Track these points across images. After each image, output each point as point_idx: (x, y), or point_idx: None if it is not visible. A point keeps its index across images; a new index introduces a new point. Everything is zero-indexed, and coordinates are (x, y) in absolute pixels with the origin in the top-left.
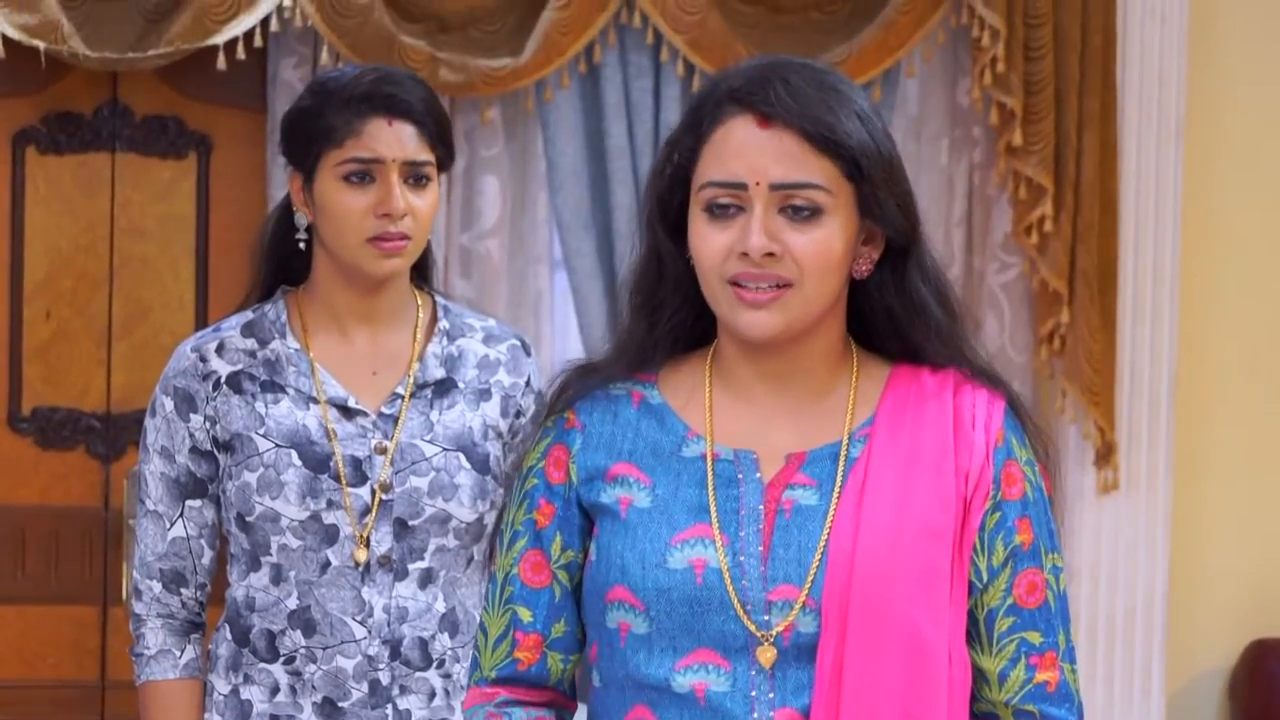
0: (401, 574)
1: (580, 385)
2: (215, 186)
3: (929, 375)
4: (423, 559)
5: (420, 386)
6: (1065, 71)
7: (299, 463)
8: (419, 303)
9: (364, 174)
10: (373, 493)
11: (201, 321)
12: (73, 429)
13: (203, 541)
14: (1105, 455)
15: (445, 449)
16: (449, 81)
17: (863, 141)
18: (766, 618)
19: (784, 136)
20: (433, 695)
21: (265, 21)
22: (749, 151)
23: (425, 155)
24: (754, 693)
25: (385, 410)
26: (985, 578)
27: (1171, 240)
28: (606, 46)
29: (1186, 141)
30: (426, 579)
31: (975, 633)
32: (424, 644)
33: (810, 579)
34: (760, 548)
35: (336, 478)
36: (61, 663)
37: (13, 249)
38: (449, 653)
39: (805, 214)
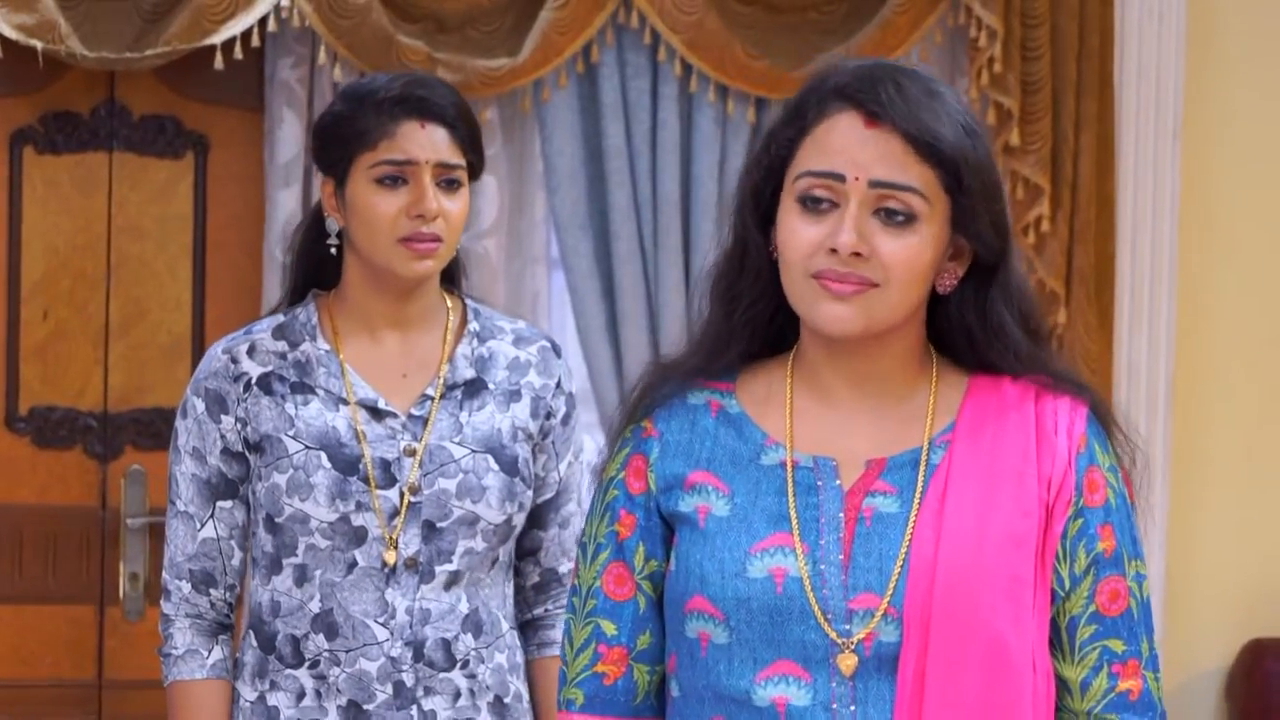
0: (428, 576)
1: (658, 390)
2: (212, 186)
3: (1010, 384)
4: (450, 561)
5: (450, 388)
6: (1062, 72)
7: (328, 465)
8: (449, 306)
9: (397, 176)
10: (401, 495)
11: (199, 321)
12: (70, 429)
13: (233, 543)
14: None
15: (474, 451)
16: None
17: (965, 153)
18: (847, 627)
19: (889, 138)
20: (457, 696)
21: (263, 21)
22: (851, 147)
23: (457, 159)
24: (835, 705)
25: (415, 412)
26: (1067, 585)
27: (1169, 241)
28: (604, 46)
29: (1184, 142)
30: (452, 581)
31: (1057, 641)
32: (447, 645)
33: (891, 587)
34: (841, 556)
35: (366, 480)
36: (59, 662)
37: (10, 249)
38: (473, 653)
39: (899, 219)
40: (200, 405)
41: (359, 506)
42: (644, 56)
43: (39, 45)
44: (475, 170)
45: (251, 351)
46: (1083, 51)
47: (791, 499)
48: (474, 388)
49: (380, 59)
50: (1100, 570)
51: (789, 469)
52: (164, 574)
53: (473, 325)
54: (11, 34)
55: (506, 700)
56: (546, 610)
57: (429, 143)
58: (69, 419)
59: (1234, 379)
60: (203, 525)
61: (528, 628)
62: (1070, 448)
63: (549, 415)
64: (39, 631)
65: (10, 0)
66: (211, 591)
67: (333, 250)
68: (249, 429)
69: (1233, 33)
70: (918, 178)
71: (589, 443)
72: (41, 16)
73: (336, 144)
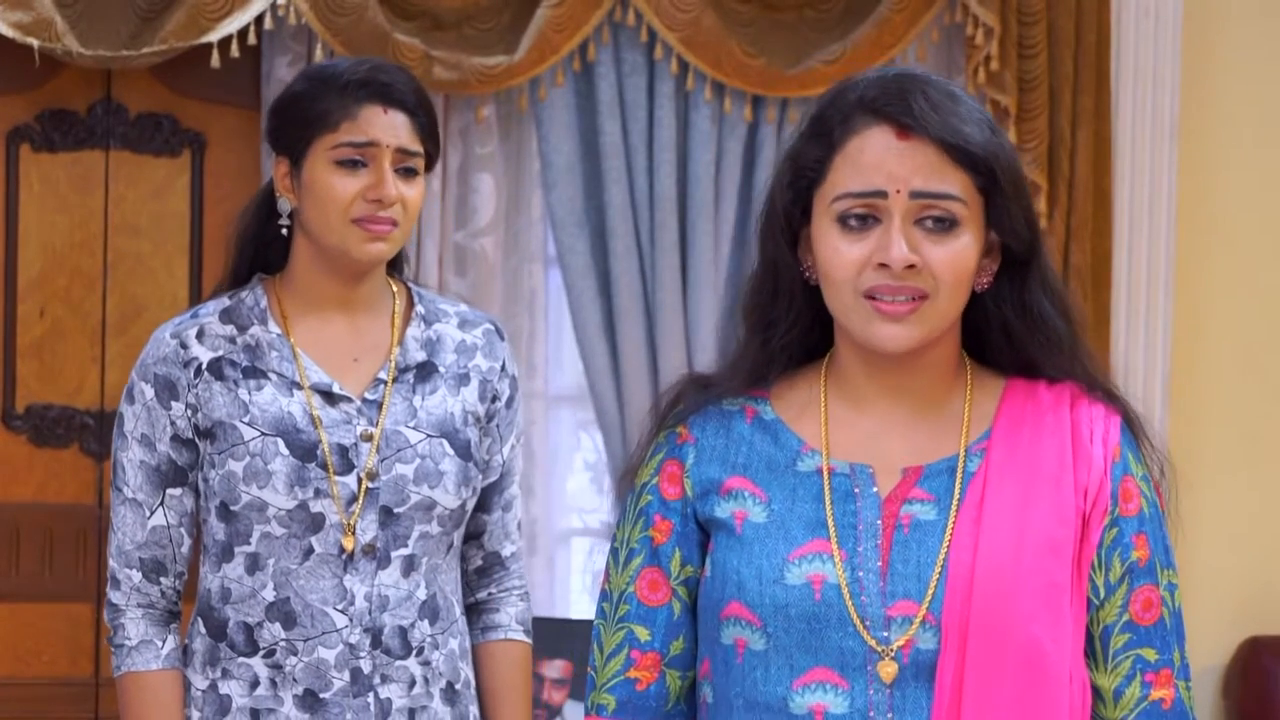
0: (385, 562)
1: (693, 399)
2: (209, 184)
3: (1045, 389)
4: (406, 546)
5: (402, 371)
6: (1059, 69)
7: (286, 451)
8: (394, 290)
9: (357, 159)
10: (359, 480)
11: None
12: (67, 426)
13: (183, 530)
14: None
15: (429, 435)
16: (443, 79)
17: (997, 153)
18: (885, 634)
19: (924, 148)
20: (413, 684)
21: (259, 19)
22: (889, 161)
23: (416, 146)
24: (873, 713)
25: (368, 396)
26: (1102, 594)
27: (1166, 238)
28: (600, 44)
29: (1180, 138)
30: (409, 566)
31: (1090, 649)
32: (404, 632)
33: (930, 595)
34: (879, 563)
35: (324, 466)
36: (56, 660)
37: (7, 247)
38: (428, 640)
39: (944, 225)
40: (149, 391)
41: (317, 493)
42: (640, 54)
43: (35, 43)
44: (430, 160)
45: (200, 336)
46: (1079, 49)
47: (829, 506)
48: (425, 371)
49: (376, 56)
50: (1134, 579)
51: (826, 475)
52: (111, 562)
53: (418, 308)
54: (8, 32)
55: (457, 686)
56: (490, 594)
57: (390, 127)
58: (65, 417)
59: (1231, 376)
60: (152, 513)
61: (471, 611)
62: (1106, 456)
63: (494, 398)
64: (36, 629)
65: None
66: (162, 580)
67: (283, 231)
68: (200, 415)
69: (1228, 30)
70: (956, 184)
71: (586, 439)
72: (38, 14)
73: (295, 124)
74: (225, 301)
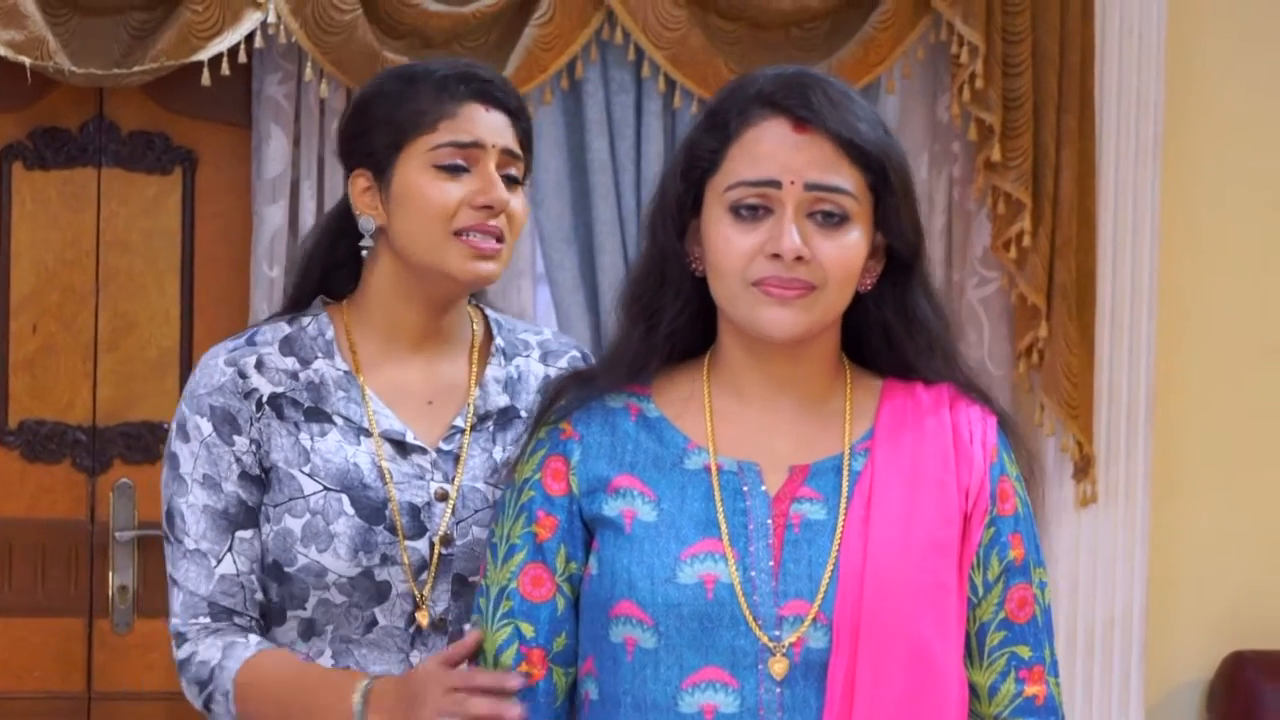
0: (458, 637)
1: (575, 395)
2: (201, 201)
3: (923, 390)
4: None
5: (481, 418)
6: (1044, 87)
7: (351, 511)
8: (472, 319)
9: (459, 162)
10: (431, 546)
11: (187, 335)
12: (59, 442)
13: (254, 578)
14: (1083, 468)
15: None
16: None
17: (888, 152)
18: (777, 633)
19: (819, 141)
20: None
21: (250, 38)
22: (784, 153)
23: (519, 151)
24: (763, 711)
25: (444, 446)
26: (980, 592)
27: (1149, 255)
28: (588, 62)
29: (1164, 157)
30: None
31: (967, 646)
32: None
33: (821, 594)
34: (771, 563)
35: (393, 529)
36: (48, 675)
37: None
38: None
39: (834, 220)
40: (206, 426)
41: (384, 560)
42: (628, 72)
43: (28, 61)
44: (526, 175)
45: (260, 366)
46: (1064, 68)
47: (719, 504)
48: (506, 417)
49: (366, 75)
50: (1010, 578)
51: (714, 473)
52: (174, 621)
53: (498, 341)
54: (0, 50)
55: None
56: None
57: (495, 127)
58: (58, 433)
59: (1214, 392)
60: (219, 561)
61: None
62: (985, 457)
63: None
64: (28, 644)
65: None
66: (236, 619)
67: (363, 253)
68: (262, 452)
69: (1211, 50)
70: (848, 179)
71: None
72: (30, 33)
73: (383, 128)
74: (285, 328)
